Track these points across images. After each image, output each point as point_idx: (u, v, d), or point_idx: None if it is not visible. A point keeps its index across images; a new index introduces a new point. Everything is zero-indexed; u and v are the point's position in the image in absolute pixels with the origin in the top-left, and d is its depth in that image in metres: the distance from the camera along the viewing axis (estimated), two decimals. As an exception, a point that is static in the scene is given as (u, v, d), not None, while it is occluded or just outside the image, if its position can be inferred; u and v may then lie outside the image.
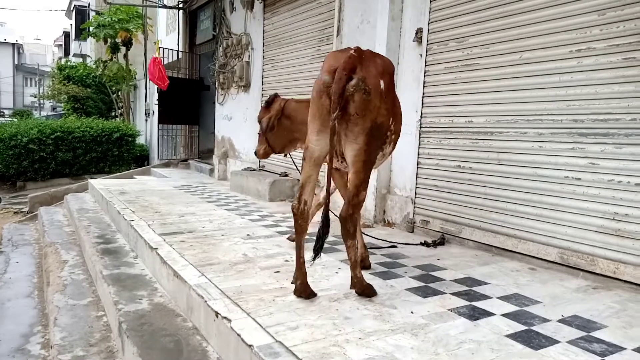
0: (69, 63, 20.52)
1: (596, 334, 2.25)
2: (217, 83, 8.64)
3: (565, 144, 3.24)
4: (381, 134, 2.60)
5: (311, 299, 2.55)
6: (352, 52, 2.56)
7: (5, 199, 9.83)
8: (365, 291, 2.64)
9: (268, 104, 3.62)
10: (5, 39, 49.82)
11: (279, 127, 3.56)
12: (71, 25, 31.08)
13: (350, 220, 2.57)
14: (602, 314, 2.50)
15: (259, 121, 3.67)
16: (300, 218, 2.67)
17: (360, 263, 2.76)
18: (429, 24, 4.22)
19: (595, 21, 3.06)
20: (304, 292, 2.61)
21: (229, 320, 2.26)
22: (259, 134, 3.72)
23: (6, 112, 36.68)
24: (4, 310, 3.77)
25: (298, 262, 2.64)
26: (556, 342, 2.15)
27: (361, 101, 2.45)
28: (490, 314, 2.45)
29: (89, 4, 24.24)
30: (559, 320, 2.39)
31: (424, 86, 4.28)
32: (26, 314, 3.70)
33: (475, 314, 2.43)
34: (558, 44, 3.26)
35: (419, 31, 4.30)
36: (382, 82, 2.55)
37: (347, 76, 2.43)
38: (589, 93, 3.11)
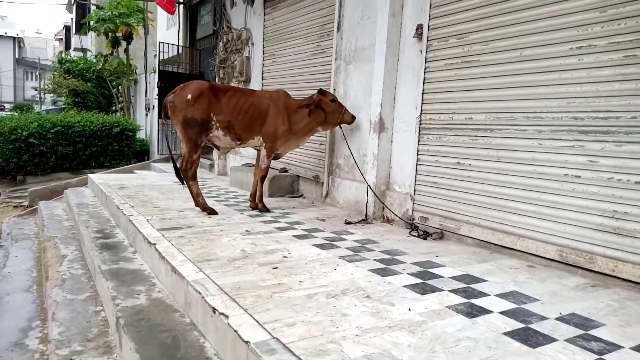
0: (69, 57, 20.50)
1: (594, 332, 2.25)
2: (217, 78, 8.62)
3: (565, 142, 3.23)
4: (194, 125, 4.61)
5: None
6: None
7: (5, 193, 9.83)
8: (207, 211, 4.74)
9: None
10: (5, 33, 49.72)
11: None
12: (72, 19, 31.04)
13: (186, 169, 4.76)
14: (600, 312, 2.49)
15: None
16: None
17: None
18: (429, 20, 4.20)
19: (596, 18, 3.04)
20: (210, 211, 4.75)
21: (226, 317, 2.26)
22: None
23: (7, 105, 36.71)
24: (3, 304, 3.77)
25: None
26: (554, 340, 2.15)
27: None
28: (488, 311, 2.45)
29: (90, -2, 24.18)
30: (557, 318, 2.39)
31: (424, 82, 4.27)
32: (25, 309, 3.70)
33: (473, 312, 2.43)
34: (558, 41, 3.25)
35: (419, 27, 4.28)
36: (189, 96, 4.57)
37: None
38: (590, 91, 3.10)
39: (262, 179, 5.09)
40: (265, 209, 4.96)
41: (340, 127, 5.11)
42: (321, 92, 4.92)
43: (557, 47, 3.26)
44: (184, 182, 4.89)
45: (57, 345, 2.79)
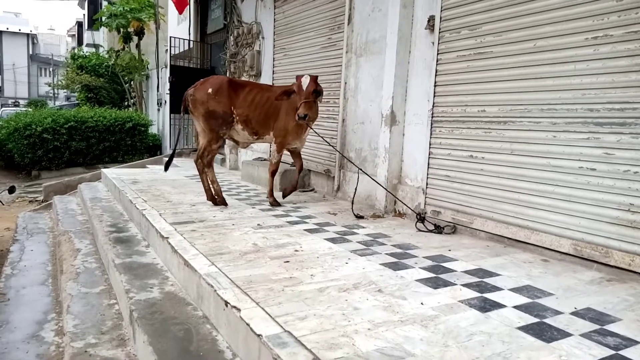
0: (81, 53, 20.66)
1: (610, 327, 2.22)
2: (228, 72, 8.63)
3: (580, 134, 3.18)
4: (217, 117, 4.70)
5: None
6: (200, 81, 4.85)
7: (20, 188, 9.96)
8: (218, 200, 4.81)
9: (317, 80, 4.66)
10: (20, 30, 50.27)
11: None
12: (84, 15, 31.30)
13: (202, 156, 4.82)
14: (616, 307, 2.46)
15: (312, 91, 4.56)
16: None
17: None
18: (441, 11, 4.15)
19: (613, 7, 2.97)
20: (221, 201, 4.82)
21: (238, 310, 2.27)
22: (306, 101, 4.49)
23: (21, 102, 37.15)
24: (19, 297, 3.83)
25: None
26: (569, 335, 2.12)
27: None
28: (501, 305, 2.43)
29: (102, -6, 24.33)
30: (572, 313, 2.36)
31: (436, 75, 4.22)
32: (40, 302, 3.75)
33: (487, 306, 2.41)
34: (573, 31, 3.19)
35: (431, 19, 4.23)
36: (210, 90, 4.67)
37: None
38: (605, 82, 3.04)
39: (273, 173, 5.07)
40: (275, 203, 4.96)
41: (308, 124, 4.77)
42: (296, 79, 4.68)
43: (572, 38, 3.20)
44: (167, 169, 5.19)
45: (72, 338, 2.82)
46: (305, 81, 4.57)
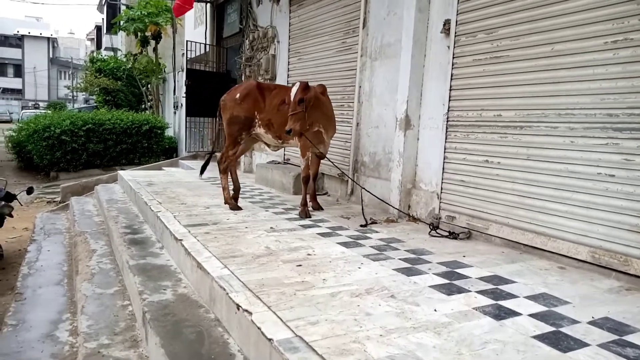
0: (100, 56, 20.97)
1: (629, 337, 2.16)
2: (243, 76, 8.68)
3: (598, 139, 3.12)
4: (238, 122, 4.83)
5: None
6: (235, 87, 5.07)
7: (39, 189, 10.10)
8: (230, 206, 4.83)
9: (306, 87, 4.24)
10: (41, 34, 51.30)
11: (312, 108, 4.27)
12: (103, 19, 31.78)
13: (220, 162, 4.98)
14: (635, 317, 2.39)
15: (298, 100, 4.14)
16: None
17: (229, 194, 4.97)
18: (457, 15, 4.12)
19: (634, 11, 2.91)
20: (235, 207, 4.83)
21: (250, 313, 2.26)
22: (293, 113, 4.13)
23: (41, 104, 37.86)
24: (36, 297, 3.88)
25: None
26: (586, 345, 2.07)
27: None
28: (516, 313, 2.38)
29: (120, -2, 24.70)
30: (589, 322, 2.31)
31: (451, 79, 4.18)
32: (56, 301, 3.80)
33: (501, 314, 2.37)
34: (592, 35, 3.13)
35: (446, 23, 4.20)
36: (238, 95, 4.82)
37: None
38: (625, 86, 2.98)
39: (305, 180, 4.74)
40: (304, 214, 4.57)
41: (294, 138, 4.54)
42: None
43: (591, 42, 3.14)
44: (202, 173, 5.44)
45: (85, 338, 2.85)
46: (294, 90, 4.20)
